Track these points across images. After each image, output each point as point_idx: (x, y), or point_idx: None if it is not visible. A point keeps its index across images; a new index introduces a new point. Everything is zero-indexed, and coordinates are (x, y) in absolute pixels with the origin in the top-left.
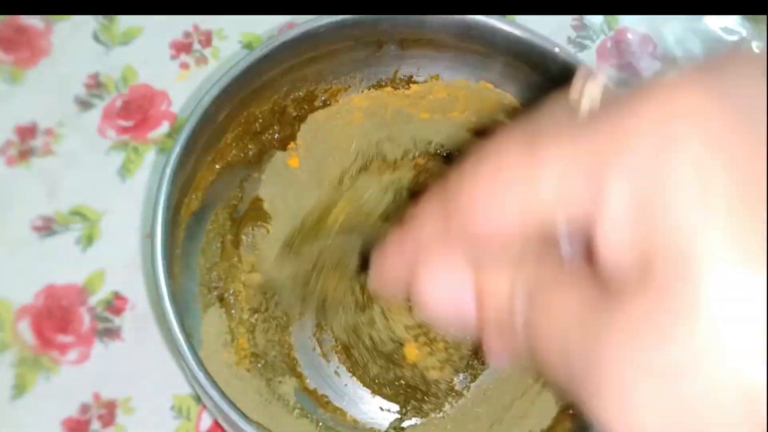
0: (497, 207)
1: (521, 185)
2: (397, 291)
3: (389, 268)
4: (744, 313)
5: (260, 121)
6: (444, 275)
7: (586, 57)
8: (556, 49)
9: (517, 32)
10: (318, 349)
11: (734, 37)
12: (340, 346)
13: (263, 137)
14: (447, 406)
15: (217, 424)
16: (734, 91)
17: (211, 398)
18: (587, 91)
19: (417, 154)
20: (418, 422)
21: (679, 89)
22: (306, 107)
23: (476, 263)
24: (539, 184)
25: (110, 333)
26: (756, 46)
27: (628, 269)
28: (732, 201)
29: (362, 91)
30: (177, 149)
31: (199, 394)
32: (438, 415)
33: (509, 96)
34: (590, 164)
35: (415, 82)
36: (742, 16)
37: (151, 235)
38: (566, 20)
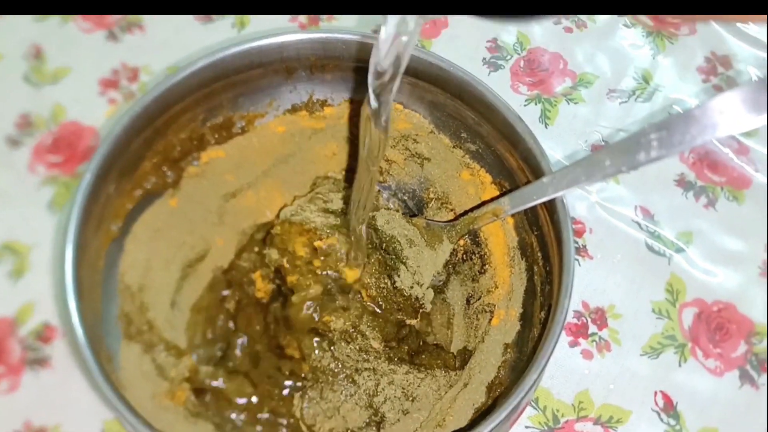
0: None
1: None
2: None
3: None
4: None
5: (178, 148)
6: None
7: (501, 76)
8: (451, 69)
9: (414, 53)
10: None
11: (639, 52)
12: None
13: (182, 164)
14: None
15: None
16: None
17: (130, 424)
18: None
19: None
20: None
21: None
22: (224, 133)
23: None
24: None
25: (40, 362)
26: (659, 60)
27: None
28: None
29: (278, 117)
30: (86, 180)
31: (120, 419)
32: None
33: (418, 116)
34: None
35: (329, 106)
36: (646, 32)
37: (61, 269)
38: (481, 42)
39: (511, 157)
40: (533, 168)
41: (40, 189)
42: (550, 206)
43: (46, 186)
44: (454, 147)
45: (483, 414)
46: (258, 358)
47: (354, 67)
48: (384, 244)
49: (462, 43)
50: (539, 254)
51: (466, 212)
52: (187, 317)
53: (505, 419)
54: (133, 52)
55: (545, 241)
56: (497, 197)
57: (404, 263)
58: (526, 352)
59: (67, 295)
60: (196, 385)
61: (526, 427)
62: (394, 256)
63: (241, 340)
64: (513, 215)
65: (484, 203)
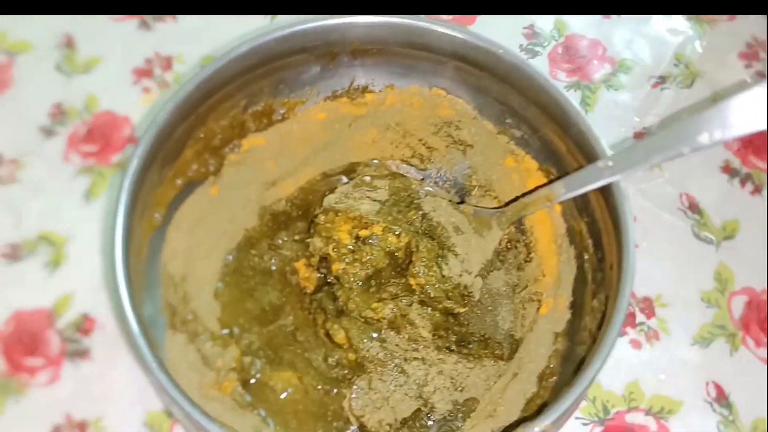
0: None
1: None
2: None
3: None
4: None
5: (219, 136)
6: None
7: (538, 63)
8: (501, 52)
9: (462, 37)
10: None
11: (679, 38)
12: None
13: (223, 151)
14: None
15: None
16: None
17: (182, 409)
18: None
19: None
20: None
21: None
22: (265, 121)
23: None
24: None
25: (80, 354)
26: (699, 46)
27: None
28: None
29: (318, 103)
30: (133, 166)
31: (170, 407)
32: None
33: (461, 102)
34: None
35: (370, 92)
36: (686, 16)
37: (110, 254)
38: (517, 29)
39: (560, 142)
40: (587, 152)
41: (75, 179)
42: (606, 191)
43: (81, 176)
44: (498, 133)
45: (540, 406)
46: (303, 348)
47: (397, 51)
48: (431, 231)
49: (498, 29)
50: (589, 241)
51: (515, 199)
52: (229, 308)
53: (571, 407)
54: (166, 40)
55: (597, 227)
56: (549, 182)
57: (452, 251)
58: (578, 341)
59: (118, 283)
60: (243, 375)
61: (576, 418)
62: (440, 244)
63: (286, 330)
64: (560, 202)
65: (536, 189)
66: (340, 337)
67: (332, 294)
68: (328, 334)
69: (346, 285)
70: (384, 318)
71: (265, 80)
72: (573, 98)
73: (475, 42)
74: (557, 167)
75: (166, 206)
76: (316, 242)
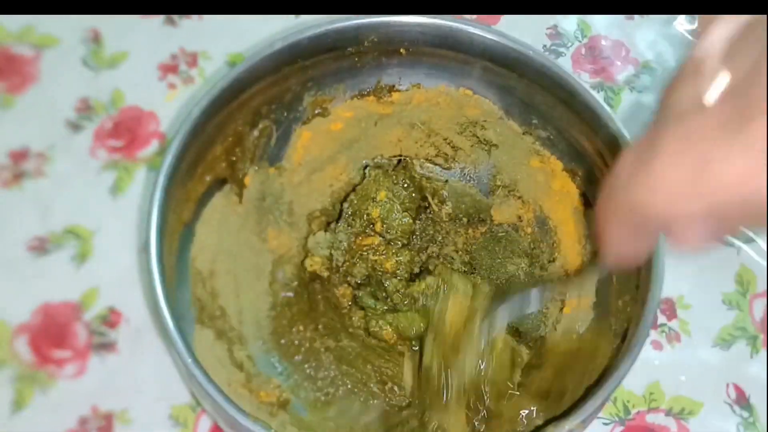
0: None
1: None
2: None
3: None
4: None
5: None
6: None
7: (562, 64)
8: (530, 53)
9: (492, 37)
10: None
11: None
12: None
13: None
14: None
15: (215, 427)
16: None
17: (212, 398)
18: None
19: None
20: None
21: None
22: None
23: None
24: None
25: (106, 346)
26: None
27: None
28: None
29: (346, 101)
30: (168, 160)
31: (199, 397)
32: None
33: (488, 102)
34: None
35: (397, 91)
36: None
37: (145, 247)
38: (541, 29)
39: (588, 143)
40: (617, 154)
41: (101, 173)
42: None
43: (107, 170)
44: (524, 133)
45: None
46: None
47: (426, 51)
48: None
49: (522, 29)
50: None
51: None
52: (256, 312)
53: (599, 406)
54: (191, 37)
55: None
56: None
57: None
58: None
59: (153, 279)
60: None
61: (598, 417)
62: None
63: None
64: (585, 203)
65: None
66: (386, 332)
67: (373, 293)
68: (369, 333)
69: (399, 277)
70: (428, 287)
71: (293, 79)
72: None
73: (506, 43)
74: (583, 168)
75: (195, 202)
76: (358, 269)
